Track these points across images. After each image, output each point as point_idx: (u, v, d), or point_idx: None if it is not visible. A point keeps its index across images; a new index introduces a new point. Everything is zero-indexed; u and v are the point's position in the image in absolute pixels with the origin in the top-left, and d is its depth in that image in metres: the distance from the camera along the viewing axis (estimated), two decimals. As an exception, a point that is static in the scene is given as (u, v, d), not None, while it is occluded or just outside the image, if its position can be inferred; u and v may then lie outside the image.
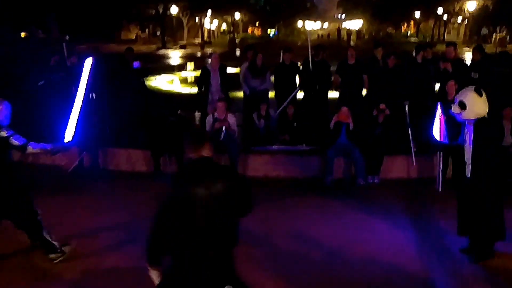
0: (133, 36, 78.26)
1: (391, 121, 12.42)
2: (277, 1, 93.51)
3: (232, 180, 5.25)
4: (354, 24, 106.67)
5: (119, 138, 13.44)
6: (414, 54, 14.64)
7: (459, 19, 79.20)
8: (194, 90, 17.22)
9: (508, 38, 67.40)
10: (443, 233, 9.31)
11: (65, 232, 8.58)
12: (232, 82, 14.71)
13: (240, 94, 15.33)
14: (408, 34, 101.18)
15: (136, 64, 14.79)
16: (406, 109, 12.22)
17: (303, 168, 12.67)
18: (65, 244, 8.29)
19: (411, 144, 11.94)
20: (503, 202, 8.30)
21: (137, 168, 12.79)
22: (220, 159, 12.38)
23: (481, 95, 7.98)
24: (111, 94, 13.85)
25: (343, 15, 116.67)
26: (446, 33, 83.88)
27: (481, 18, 68.95)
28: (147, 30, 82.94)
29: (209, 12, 75.64)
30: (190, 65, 30.74)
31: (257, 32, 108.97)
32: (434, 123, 10.00)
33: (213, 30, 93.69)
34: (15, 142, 7.83)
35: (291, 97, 14.35)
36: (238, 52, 42.08)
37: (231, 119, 12.48)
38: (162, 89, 25.03)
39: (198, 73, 19.43)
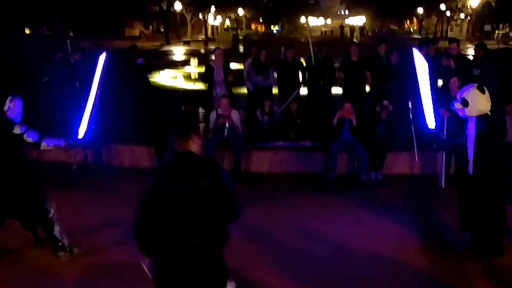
0: (137, 33, 78.32)
1: (394, 117, 12.43)
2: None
3: (214, 178, 5.12)
4: (357, 21, 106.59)
5: (123, 134, 13.48)
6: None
7: (462, 15, 79.03)
8: (198, 86, 17.30)
9: (511, 35, 67.20)
10: (446, 229, 9.33)
11: (69, 228, 8.59)
12: (236, 78, 14.73)
13: (244, 90, 15.34)
14: (411, 30, 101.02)
15: (140, 60, 14.83)
16: (410, 105, 12.23)
17: (306, 164, 12.70)
18: (75, 245, 8.35)
19: (414, 140, 11.96)
20: (506, 199, 8.32)
21: (141, 164, 12.81)
22: (223, 155, 12.46)
23: (483, 92, 8.00)
24: (115, 90, 13.88)
25: (346, 12, 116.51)
26: (449, 29, 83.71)
27: (484, 14, 68.81)
28: (151, 26, 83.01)
29: (213, 8, 75.68)
30: (194, 61, 30.67)
31: (261, 28, 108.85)
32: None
33: (216, 27, 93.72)
34: (29, 138, 7.90)
35: (294, 93, 14.37)
36: (241, 49, 42.01)
37: (235, 115, 12.51)
38: (165, 85, 25.04)
39: (201, 69, 19.48)
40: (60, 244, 8.21)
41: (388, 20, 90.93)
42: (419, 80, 10.20)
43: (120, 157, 12.99)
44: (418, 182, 11.97)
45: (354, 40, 69.13)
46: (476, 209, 8.30)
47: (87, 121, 8.00)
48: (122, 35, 71.85)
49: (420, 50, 14.01)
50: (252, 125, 13.78)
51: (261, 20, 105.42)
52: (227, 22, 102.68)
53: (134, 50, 15.40)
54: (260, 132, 13.35)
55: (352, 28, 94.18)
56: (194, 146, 5.27)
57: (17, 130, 7.84)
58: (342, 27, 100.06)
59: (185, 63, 33.70)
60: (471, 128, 8.13)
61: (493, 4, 64.58)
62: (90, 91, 8.37)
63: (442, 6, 73.01)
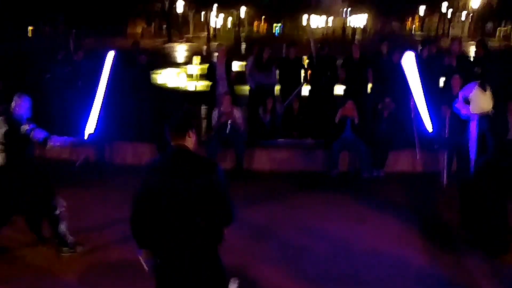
0: (139, 31, 78.26)
1: (396, 115, 12.45)
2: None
3: (209, 175, 5.11)
4: (359, 20, 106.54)
5: (125, 132, 13.48)
6: (419, 49, 14.66)
7: (464, 14, 78.99)
8: (201, 84, 17.23)
9: (512, 33, 67.32)
10: (448, 227, 9.36)
11: (71, 225, 8.57)
12: (238, 76, 14.75)
13: (246, 88, 15.36)
14: (413, 29, 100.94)
15: (142, 58, 14.84)
16: (411, 103, 12.24)
17: (308, 162, 12.72)
18: (79, 244, 8.38)
19: (416, 138, 11.97)
20: (508, 197, 8.33)
21: (143, 161, 12.73)
22: (225, 153, 12.48)
23: (485, 91, 8.01)
24: (116, 88, 13.88)
25: (348, 11, 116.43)
26: (450, 28, 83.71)
27: (485, 13, 68.78)
28: (153, 24, 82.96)
29: (215, 7, 75.65)
30: (196, 60, 30.66)
31: (263, 27, 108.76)
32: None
33: (219, 25, 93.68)
34: (36, 136, 7.92)
35: (296, 91, 14.40)
36: (243, 47, 41.99)
37: (237, 113, 12.53)
38: (167, 83, 25.04)
39: (204, 67, 19.48)
40: (63, 241, 8.24)
41: (390, 18, 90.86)
42: (410, 86, 10.20)
43: (122, 155, 13.00)
44: (420, 180, 11.99)
45: (356, 38, 69.13)
46: (477, 207, 8.33)
47: (96, 118, 8.01)
48: (125, 33, 71.82)
49: (422, 48, 14.08)
50: (254, 123, 13.80)
51: (263, 19, 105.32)
52: (229, 21, 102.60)
53: (137, 47, 15.42)
54: (262, 130, 13.36)
55: (354, 27, 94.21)
56: (190, 142, 5.28)
57: (24, 128, 7.87)
58: (344, 25, 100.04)
59: (187, 61, 33.72)
60: (473, 127, 8.15)
61: (494, 6, 64.60)
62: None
63: (444, 5, 72.99)
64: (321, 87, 14.93)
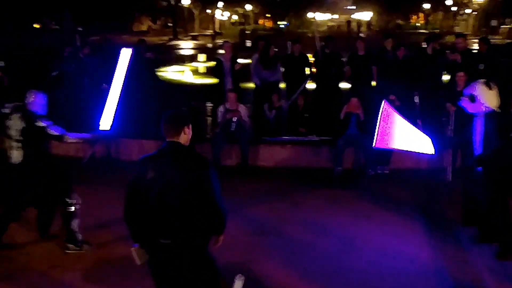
0: (145, 28, 78.33)
1: (401, 111, 12.46)
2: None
3: (200, 172, 5.18)
4: (364, 16, 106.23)
5: (131, 129, 13.52)
6: (424, 45, 14.69)
7: (468, 10, 78.82)
8: (206, 80, 17.25)
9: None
10: (453, 223, 9.37)
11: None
12: (243, 73, 14.78)
13: (251, 85, 15.39)
14: (418, 25, 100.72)
15: (148, 54, 14.89)
16: (416, 100, 12.29)
17: (313, 158, 12.76)
18: (86, 242, 8.39)
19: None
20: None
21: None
22: (230, 149, 12.54)
23: (490, 88, 8.00)
24: (123, 85, 13.92)
25: (353, 7, 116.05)
26: (455, 24, 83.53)
27: (490, 9, 68.59)
28: (159, 21, 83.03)
29: (220, 3, 75.67)
30: (202, 56, 30.79)
31: (268, 23, 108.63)
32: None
33: (224, 22, 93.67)
34: (53, 132, 7.97)
35: (301, 88, 14.43)
36: (248, 44, 42.02)
37: (242, 109, 12.59)
38: (174, 80, 25.12)
39: (210, 64, 19.52)
40: (73, 238, 8.29)
41: (394, 15, 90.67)
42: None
43: (128, 152, 13.02)
44: (424, 176, 12.00)
45: (361, 35, 69.03)
46: (480, 205, 8.35)
47: (112, 115, 8.05)
48: (131, 30, 71.89)
49: (427, 45, 14.10)
50: (259, 120, 13.84)
51: (268, 15, 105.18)
52: (235, 17, 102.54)
53: (143, 45, 15.48)
54: (267, 127, 13.41)
55: (359, 23, 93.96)
56: (185, 138, 5.35)
57: (40, 123, 7.93)
58: (349, 22, 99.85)
59: (193, 58, 33.80)
60: (479, 124, 8.14)
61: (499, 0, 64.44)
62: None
63: (449, 1, 72.82)
64: (326, 84, 14.97)
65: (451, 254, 8.35)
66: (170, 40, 63.28)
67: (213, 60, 16.56)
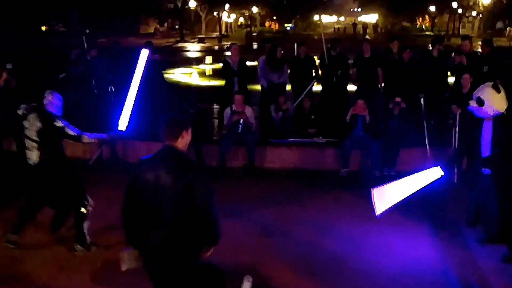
0: (152, 30, 78.50)
1: (406, 113, 12.50)
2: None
3: (192, 177, 5.22)
4: (370, 18, 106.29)
5: (139, 131, 13.55)
6: (430, 47, 14.72)
7: (474, 13, 78.71)
8: (213, 82, 17.22)
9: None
10: (459, 224, 9.38)
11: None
12: (250, 74, 14.81)
13: (257, 87, 15.42)
14: (423, 28, 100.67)
15: (155, 57, 14.94)
16: (421, 102, 12.33)
17: (319, 160, 12.80)
18: (94, 244, 8.42)
19: (426, 136, 12.02)
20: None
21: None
22: (237, 151, 12.58)
23: (499, 91, 7.98)
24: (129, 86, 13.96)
25: (359, 9, 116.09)
26: (460, 27, 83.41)
27: (496, 12, 68.48)
28: (165, 24, 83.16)
29: (227, 6, 75.74)
30: (209, 58, 30.87)
31: (274, 26, 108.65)
32: None
33: (230, 24, 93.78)
34: (70, 132, 8.02)
35: (307, 90, 14.47)
36: (255, 46, 42.09)
37: (249, 111, 12.63)
38: (180, 82, 25.17)
39: (216, 66, 19.55)
40: (82, 240, 8.32)
41: (400, 17, 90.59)
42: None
43: (136, 153, 13.04)
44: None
45: (367, 37, 69.07)
46: (487, 207, 8.36)
47: (128, 116, 8.10)
48: (138, 32, 72.07)
49: (432, 47, 14.13)
50: (266, 122, 13.87)
51: (274, 18, 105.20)
52: (241, 20, 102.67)
53: (150, 47, 15.52)
54: (273, 129, 13.44)
55: (365, 25, 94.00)
56: (182, 142, 5.39)
57: (58, 124, 7.98)
58: (355, 24, 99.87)
59: (200, 60, 33.87)
60: (487, 128, 8.14)
61: (504, 1, 64.27)
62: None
63: (454, 4, 72.72)
64: (333, 86, 15.00)
65: (457, 255, 8.38)
66: (177, 42, 63.39)
67: (220, 62, 16.59)
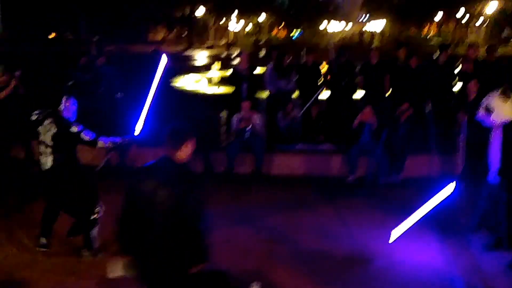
0: (160, 38, 78.67)
1: (413, 120, 12.52)
2: (301, 3, 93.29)
3: (190, 187, 5.26)
4: (377, 26, 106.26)
5: (145, 137, 13.58)
6: (436, 55, 14.73)
7: (480, 21, 78.60)
8: (222, 90, 17.19)
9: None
10: (466, 231, 9.39)
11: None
12: (258, 82, 14.84)
13: (264, 94, 15.45)
14: (430, 35, 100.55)
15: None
16: (428, 108, 12.34)
17: (326, 167, 12.83)
18: (101, 250, 8.44)
19: (433, 143, 12.04)
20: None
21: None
22: (245, 157, 12.61)
23: (507, 98, 7.99)
24: (137, 93, 14.02)
25: (366, 17, 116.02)
26: (468, 34, 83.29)
27: (502, 20, 68.38)
28: (174, 31, 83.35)
29: (235, 13, 75.89)
30: (217, 65, 30.89)
31: (282, 33, 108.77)
32: None
33: (238, 32, 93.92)
34: (86, 136, 8.05)
35: (315, 97, 14.48)
36: (263, 53, 42.10)
37: (257, 118, 12.67)
38: (188, 89, 25.24)
39: (223, 73, 19.58)
40: (90, 245, 8.37)
41: (407, 25, 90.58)
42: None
43: (143, 160, 13.06)
44: (437, 184, 12.01)
45: (374, 44, 69.03)
46: (494, 213, 8.37)
47: (144, 119, 8.14)
48: (146, 40, 72.22)
49: (439, 54, 14.14)
50: (273, 128, 13.91)
51: (282, 25, 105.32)
52: (249, 27, 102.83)
53: (157, 53, 15.59)
54: (281, 135, 13.48)
55: (372, 34, 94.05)
56: (184, 152, 5.40)
57: (74, 129, 8.03)
58: (361, 31, 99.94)
59: (208, 67, 33.92)
60: (496, 136, 8.13)
61: (508, 13, 64.18)
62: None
63: (461, 11, 72.65)
64: (340, 93, 15.03)
65: (464, 261, 8.41)
66: (185, 49, 63.52)
67: (228, 69, 16.61)
